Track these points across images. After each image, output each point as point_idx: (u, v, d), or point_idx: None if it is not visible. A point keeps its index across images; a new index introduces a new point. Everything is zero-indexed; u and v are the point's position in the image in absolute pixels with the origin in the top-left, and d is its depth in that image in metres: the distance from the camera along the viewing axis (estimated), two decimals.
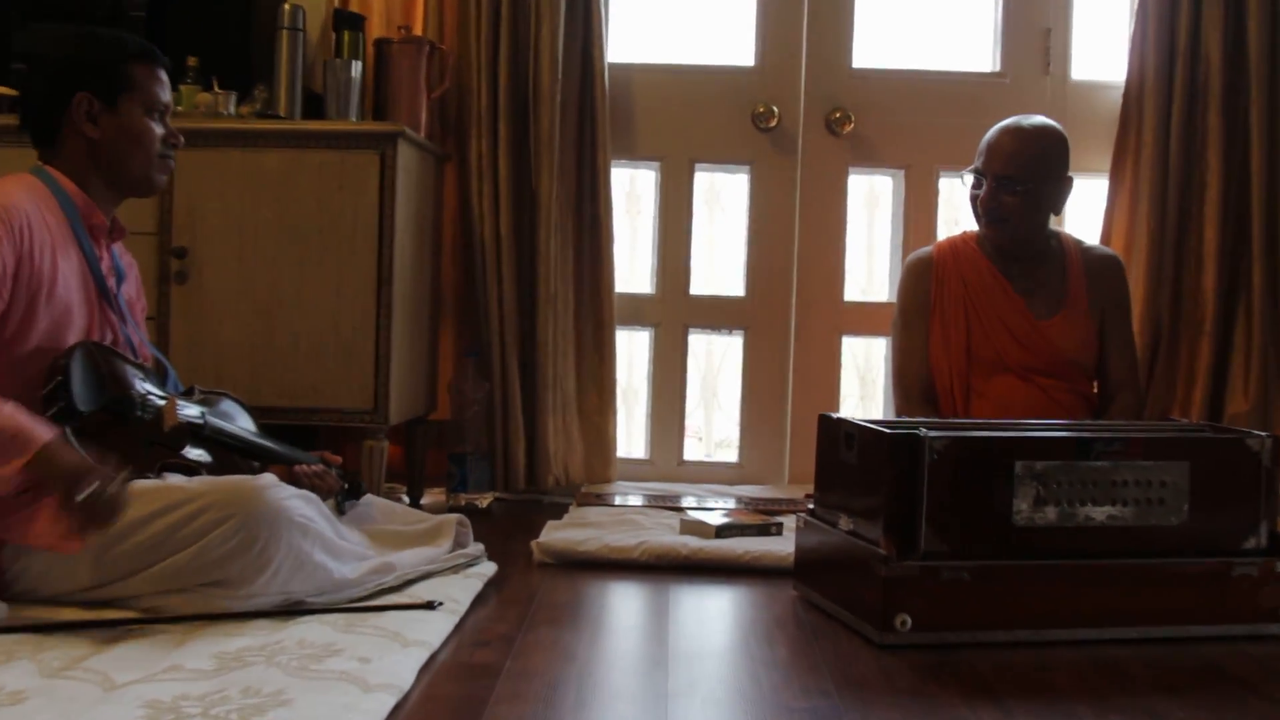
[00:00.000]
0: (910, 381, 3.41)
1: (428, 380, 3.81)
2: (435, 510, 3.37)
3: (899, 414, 3.42)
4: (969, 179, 3.36)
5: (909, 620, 2.37)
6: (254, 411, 2.87)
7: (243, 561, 2.34)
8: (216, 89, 3.47)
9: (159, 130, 2.63)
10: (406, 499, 3.79)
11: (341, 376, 3.33)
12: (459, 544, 2.84)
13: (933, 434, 2.42)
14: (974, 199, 3.36)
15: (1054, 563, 2.46)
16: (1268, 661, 2.38)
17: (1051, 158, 3.32)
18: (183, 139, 2.68)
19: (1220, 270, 3.78)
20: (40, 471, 2.25)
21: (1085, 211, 4.05)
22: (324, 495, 2.70)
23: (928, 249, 3.50)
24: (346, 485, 2.87)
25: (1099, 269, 3.41)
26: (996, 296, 3.35)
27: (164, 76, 2.66)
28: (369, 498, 2.99)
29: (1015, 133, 3.31)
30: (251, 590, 2.35)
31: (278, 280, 3.35)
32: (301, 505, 2.45)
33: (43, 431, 2.28)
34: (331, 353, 3.34)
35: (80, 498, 2.17)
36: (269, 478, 2.43)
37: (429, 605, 2.44)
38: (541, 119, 3.76)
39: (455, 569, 2.74)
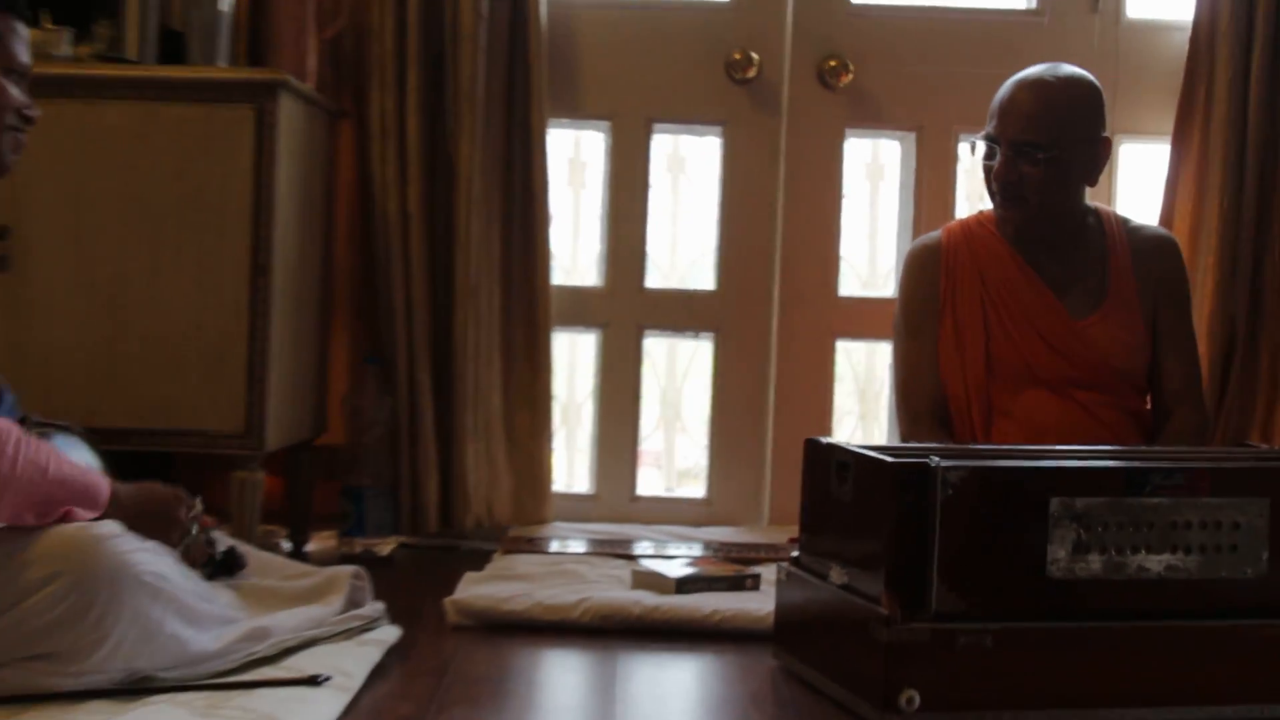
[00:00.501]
0: (918, 399, 3.41)
1: (316, 395, 3.80)
2: (324, 560, 3.35)
3: (905, 439, 3.43)
4: (980, 147, 3.37)
5: (917, 697, 2.37)
6: (95, 436, 2.84)
7: (75, 631, 2.31)
8: (46, 24, 3.44)
9: (16, 96, 2.62)
10: (288, 546, 3.77)
11: (205, 390, 3.32)
12: (353, 603, 2.82)
13: (946, 463, 2.42)
14: (987, 171, 3.37)
15: (1099, 625, 2.46)
16: None
17: (1081, 115, 3.33)
18: (39, 111, 2.68)
19: None
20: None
21: (1142, 184, 4.07)
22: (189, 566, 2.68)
23: (935, 234, 3.50)
24: (220, 554, 2.84)
25: (1150, 253, 3.42)
26: (1022, 291, 3.36)
27: (26, 34, 2.67)
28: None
29: (1034, 87, 3.31)
30: (86, 667, 2.32)
31: (125, 268, 3.33)
32: (151, 560, 2.43)
33: (98, 478, 2.48)
34: (193, 360, 3.32)
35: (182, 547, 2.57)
36: (110, 524, 2.41)
37: (313, 680, 2.42)
38: (461, 67, 3.75)
39: (348, 634, 2.72)
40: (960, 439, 3.35)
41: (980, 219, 3.47)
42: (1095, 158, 3.36)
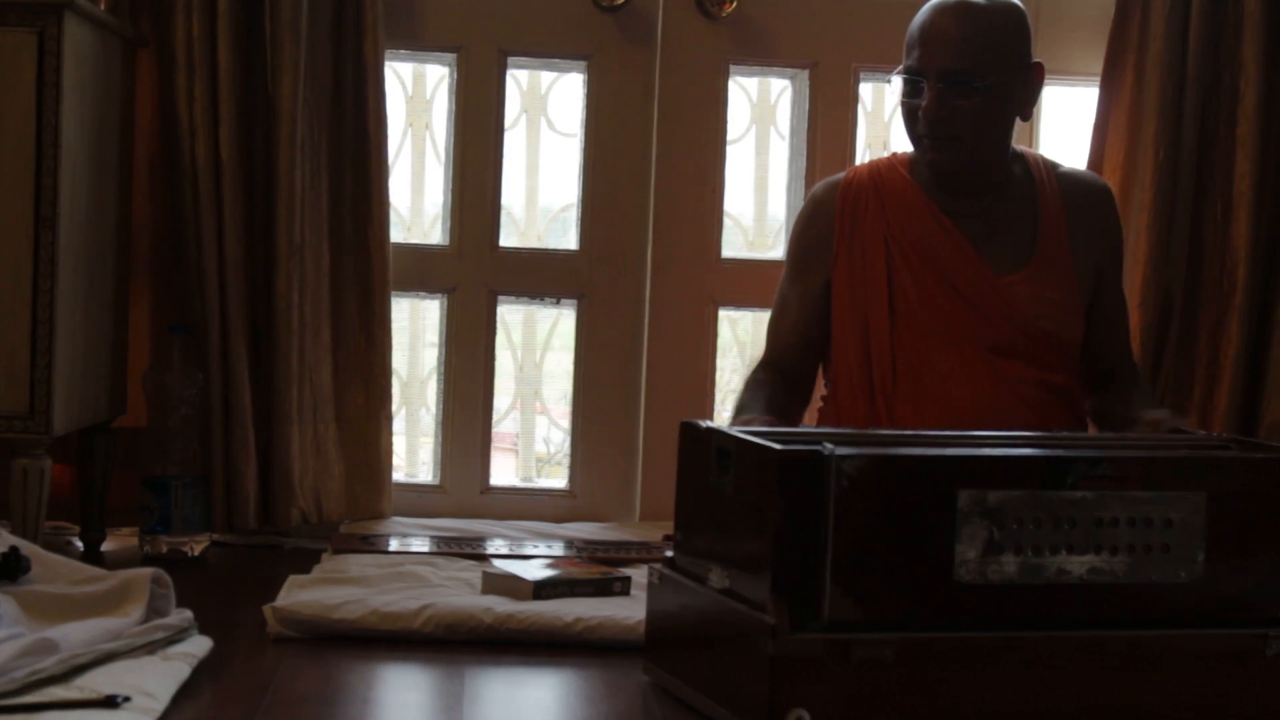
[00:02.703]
0: (772, 344, 3.52)
1: (112, 370, 3.77)
2: (123, 562, 3.33)
3: (740, 399, 3.48)
4: (898, 84, 3.38)
5: (807, 717, 2.38)
6: None
7: None
8: None
9: None
10: (79, 545, 3.74)
11: None
12: (155, 611, 2.81)
13: (842, 451, 2.43)
14: (909, 111, 3.36)
15: (1013, 635, 2.49)
16: None
17: (1013, 37, 3.35)
18: None
19: (1258, 219, 3.86)
20: None
21: (1066, 133, 4.11)
22: None
23: (838, 176, 3.52)
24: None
25: (1084, 201, 3.46)
26: (937, 242, 3.37)
27: None
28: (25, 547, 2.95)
29: (957, 9, 3.32)
30: None
31: None
32: None
33: None
34: None
35: None
36: None
37: (110, 702, 2.41)
38: None
39: (150, 648, 2.71)
40: (852, 417, 3.39)
41: (893, 161, 3.49)
42: (1030, 85, 3.39)
